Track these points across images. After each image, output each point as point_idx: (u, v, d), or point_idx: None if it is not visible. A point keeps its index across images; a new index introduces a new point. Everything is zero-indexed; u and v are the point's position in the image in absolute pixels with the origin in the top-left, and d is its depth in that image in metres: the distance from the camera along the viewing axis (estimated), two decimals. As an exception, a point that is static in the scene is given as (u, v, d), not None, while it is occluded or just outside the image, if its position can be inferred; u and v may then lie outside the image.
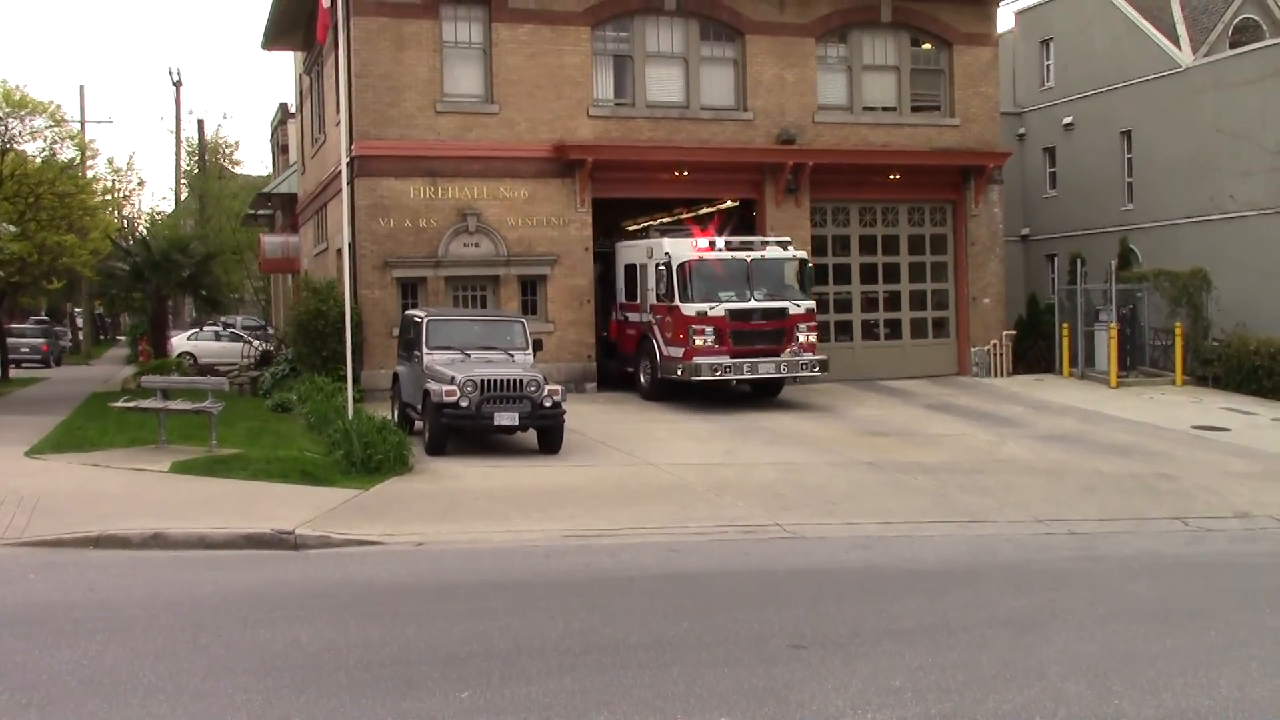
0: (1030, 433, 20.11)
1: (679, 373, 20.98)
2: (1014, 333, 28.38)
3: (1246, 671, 8.15)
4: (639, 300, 22.70)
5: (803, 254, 22.07)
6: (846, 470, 16.46)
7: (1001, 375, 27.13)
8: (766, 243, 21.87)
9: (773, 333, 21.21)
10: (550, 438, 16.99)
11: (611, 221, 28.82)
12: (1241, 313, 27.20)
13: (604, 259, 24.52)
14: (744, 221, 27.08)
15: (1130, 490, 15.59)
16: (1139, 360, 27.35)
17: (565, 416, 17.10)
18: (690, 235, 22.74)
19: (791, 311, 21.34)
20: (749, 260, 21.38)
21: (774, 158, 25.60)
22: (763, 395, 22.85)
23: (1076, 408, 22.80)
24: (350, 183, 22.41)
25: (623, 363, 23.46)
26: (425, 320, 18.31)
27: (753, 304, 21.19)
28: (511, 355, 17.97)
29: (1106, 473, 16.69)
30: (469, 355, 17.80)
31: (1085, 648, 8.66)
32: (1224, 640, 8.97)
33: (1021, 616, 9.46)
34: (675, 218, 29.70)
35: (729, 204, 27.53)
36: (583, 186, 24.25)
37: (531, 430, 17.10)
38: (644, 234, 24.29)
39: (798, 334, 21.30)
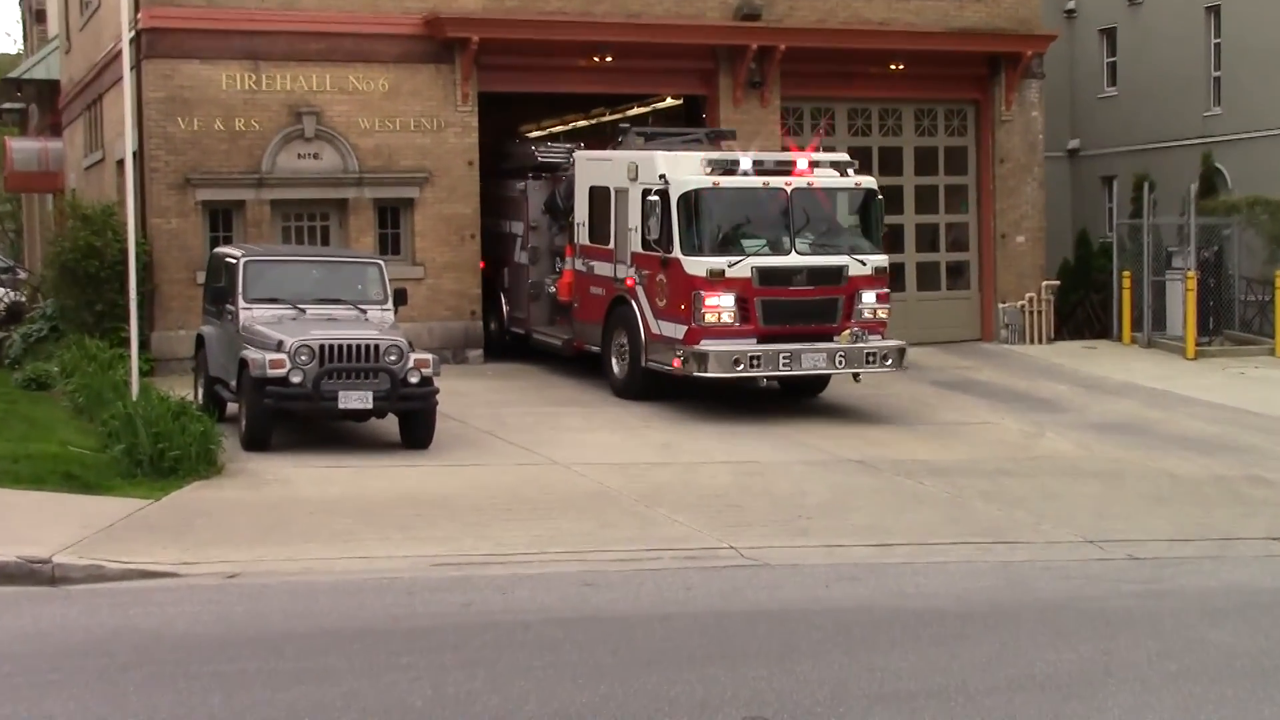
0: (1078, 420, 20.35)
1: (678, 362, 19.05)
2: (1057, 283, 28.76)
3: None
4: (611, 244, 20.81)
5: (871, 181, 20.39)
6: (827, 472, 16.48)
7: (1039, 341, 27.48)
8: (816, 163, 19.91)
9: (824, 304, 19.32)
10: (417, 427, 16.95)
11: (505, 127, 28.58)
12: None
13: (544, 176, 23.57)
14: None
15: (1213, 500, 15.80)
16: (1226, 322, 27.84)
17: (438, 397, 16.98)
18: (699, 144, 21.60)
19: (853, 272, 19.48)
20: (789, 190, 19.37)
21: (732, 38, 25.60)
22: (798, 394, 21.06)
23: (1141, 386, 23.13)
24: (136, 67, 21.94)
25: (579, 335, 21.77)
26: (242, 261, 18.06)
27: (795, 259, 19.26)
28: (364, 312, 17.82)
29: (1181, 475, 16.91)
30: (304, 311, 17.64)
31: (1150, 719, 8.71)
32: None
33: (1064, 676, 9.49)
34: (594, 120, 29.56)
35: (669, 101, 27.43)
36: (465, 76, 24.06)
37: (391, 417, 17.04)
38: (618, 140, 22.25)
39: (861, 306, 19.46)
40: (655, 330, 19.70)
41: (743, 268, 18.98)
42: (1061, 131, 36.34)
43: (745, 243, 19.34)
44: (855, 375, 19.89)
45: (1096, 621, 10.95)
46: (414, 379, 16.58)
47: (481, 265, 24.44)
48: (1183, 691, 9.23)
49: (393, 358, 16.56)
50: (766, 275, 19.09)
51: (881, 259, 19.92)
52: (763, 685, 9.06)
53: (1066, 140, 37.33)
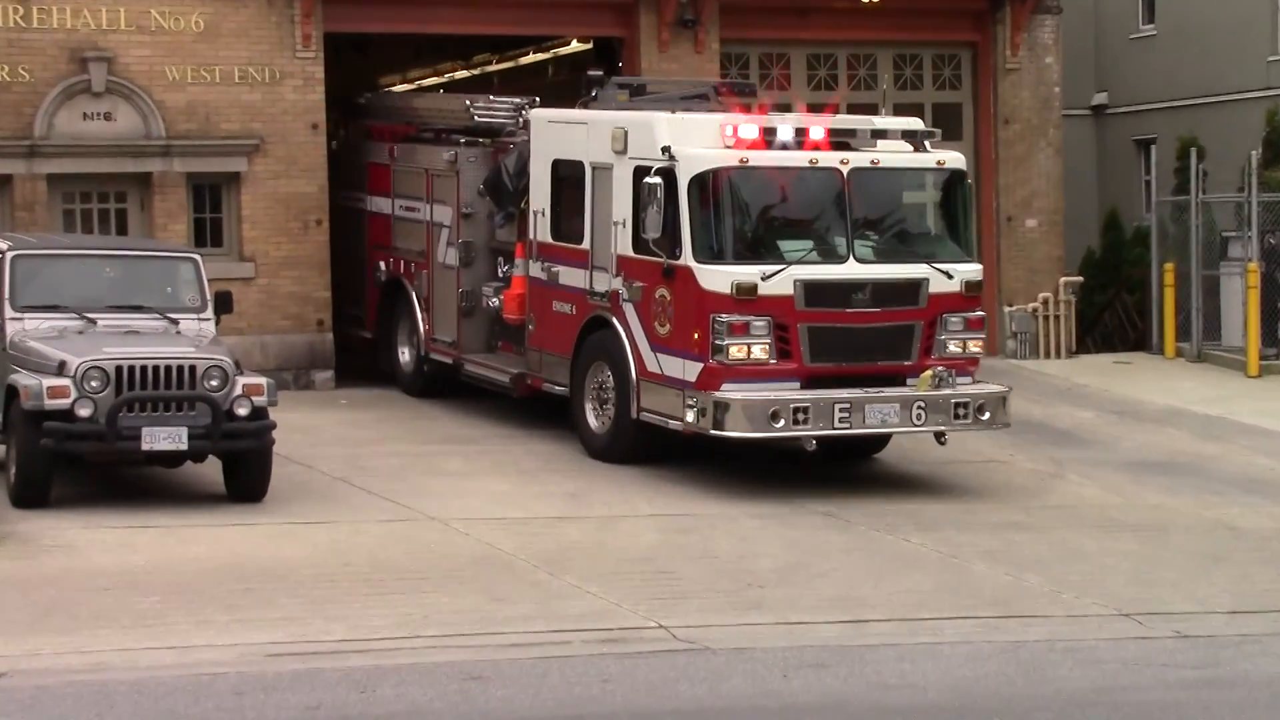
0: (1108, 457, 20.52)
1: (690, 415, 17.67)
2: (1080, 280, 29.03)
3: None
4: (585, 242, 19.43)
5: (958, 157, 19.33)
6: (784, 526, 16.52)
7: (1057, 355, 27.76)
8: (880, 132, 18.69)
9: (895, 334, 18.02)
10: (248, 473, 16.91)
11: (362, 78, 28.49)
12: None
13: (483, 144, 22.36)
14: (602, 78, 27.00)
15: (1283, 559, 16.01)
16: (1297, 327, 28.14)
17: (275, 434, 16.91)
18: (710, 104, 20.40)
19: (935, 287, 18.21)
20: (845, 170, 18.12)
21: (656, -37, 25.74)
22: (844, 455, 19.73)
23: (1189, 412, 23.36)
24: None
25: (536, 369, 20.33)
26: (9, 257, 17.90)
27: (855, 269, 17.95)
28: (174, 322, 17.72)
29: (1243, 528, 17.09)
30: (94, 323, 17.52)
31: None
32: None
33: (1095, 789, 9.57)
34: (477, 71, 29.55)
35: (574, 46, 27.46)
36: (306, 12, 23.97)
37: (214, 460, 16.96)
38: (588, 93, 21.14)
39: (945, 336, 18.22)
40: (652, 366, 18.23)
41: (782, 281, 17.58)
42: (1084, 83, 36.74)
43: (784, 245, 18.03)
44: (940, 436, 18.42)
45: None
46: (242, 410, 16.47)
47: (392, 264, 23.59)
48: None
49: (214, 383, 16.43)
50: (816, 292, 17.71)
51: (974, 270, 18.77)
52: (703, 808, 9.08)
53: (1091, 94, 37.76)
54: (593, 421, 19.35)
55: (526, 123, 21.24)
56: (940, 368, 18.00)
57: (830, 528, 16.51)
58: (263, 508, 16.64)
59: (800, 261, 17.83)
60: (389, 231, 23.85)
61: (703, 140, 18.13)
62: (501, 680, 11.54)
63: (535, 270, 20.42)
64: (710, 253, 17.78)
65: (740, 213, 18.29)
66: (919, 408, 17.81)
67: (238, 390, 16.49)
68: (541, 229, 20.39)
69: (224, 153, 23.93)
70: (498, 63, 29.43)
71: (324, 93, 24.32)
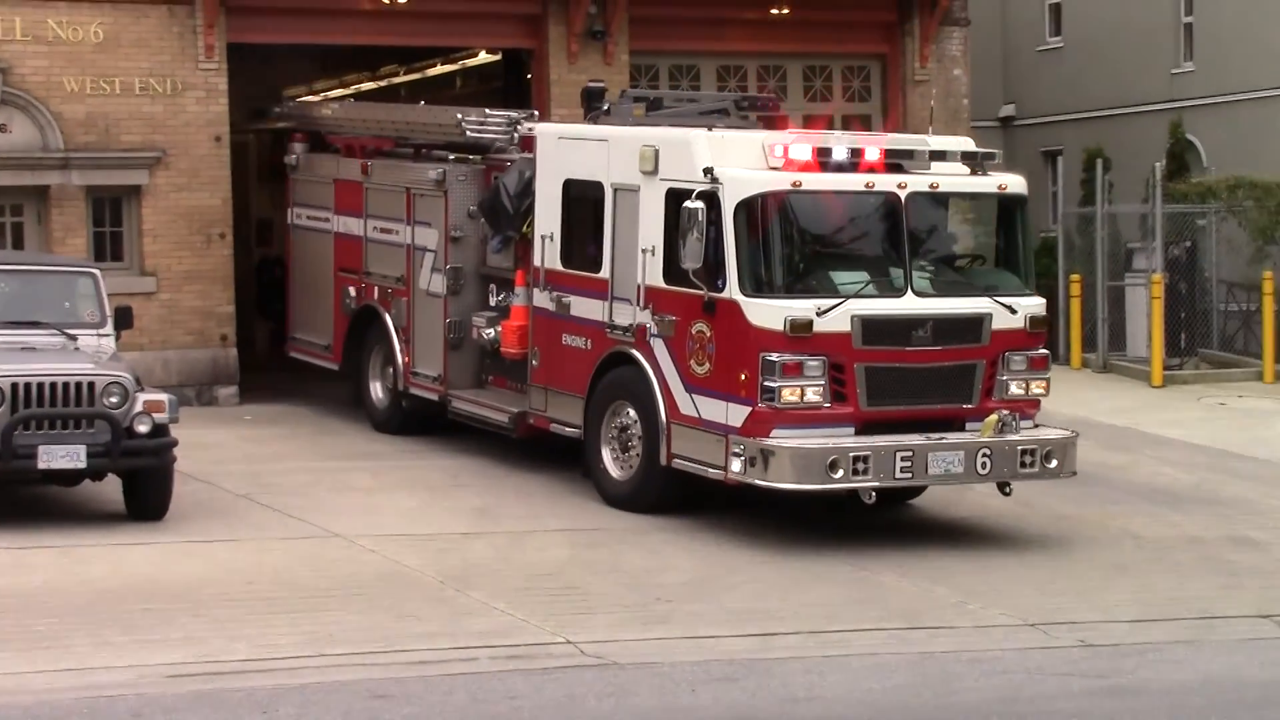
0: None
1: (735, 464, 16.25)
2: (987, 290, 29.14)
3: None
4: (604, 271, 18.04)
5: (1020, 181, 17.84)
6: (693, 540, 16.56)
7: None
8: (939, 153, 17.25)
9: (956, 374, 16.81)
10: (148, 491, 16.78)
11: (269, 89, 28.30)
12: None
13: (474, 161, 20.76)
14: (511, 91, 26.94)
15: (1188, 569, 16.14)
16: (1202, 339, 28.50)
17: (177, 452, 16.80)
18: (749, 120, 19.62)
19: (998, 323, 16.95)
20: (903, 195, 16.81)
21: (565, -28, 25.73)
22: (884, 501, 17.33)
23: (1096, 422, 23.53)
24: None
25: (541, 408, 18.90)
26: (-98, 272, 17.67)
27: (913, 302, 16.64)
28: (72, 338, 17.56)
29: (1147, 538, 17.26)
30: (-12, 338, 17.31)
31: None
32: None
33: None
34: (384, 82, 29.43)
35: (483, 57, 27.39)
36: (209, 22, 23.81)
37: (113, 478, 16.80)
38: (598, 107, 19.84)
39: (1007, 376, 16.97)
40: (686, 409, 16.86)
41: (839, 317, 16.24)
42: (992, 95, 37.04)
43: (837, 277, 16.67)
44: (1004, 487, 17.14)
45: (1040, 731, 11.11)
46: (143, 427, 16.33)
47: (364, 290, 22.07)
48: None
49: (113, 399, 16.29)
50: (875, 329, 16.36)
51: (1037, 304, 17.45)
52: (608, 826, 9.07)
53: (999, 106, 38.06)
54: (613, 468, 17.85)
55: (522, 139, 19.99)
56: (1004, 411, 16.68)
57: (738, 541, 16.55)
58: (164, 526, 16.52)
59: (857, 295, 16.44)
60: (360, 255, 22.24)
61: (745, 161, 16.74)
62: (407, 699, 11.51)
63: (542, 300, 18.91)
64: (758, 285, 16.34)
65: (792, 241, 16.87)
66: (984, 456, 16.44)
67: (138, 407, 16.34)
68: (550, 255, 18.82)
69: (124, 165, 23.74)
70: (405, 74, 29.32)
71: (228, 104, 24.18)
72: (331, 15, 24.97)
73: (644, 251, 17.39)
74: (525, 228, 19.35)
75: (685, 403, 16.90)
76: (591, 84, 21.11)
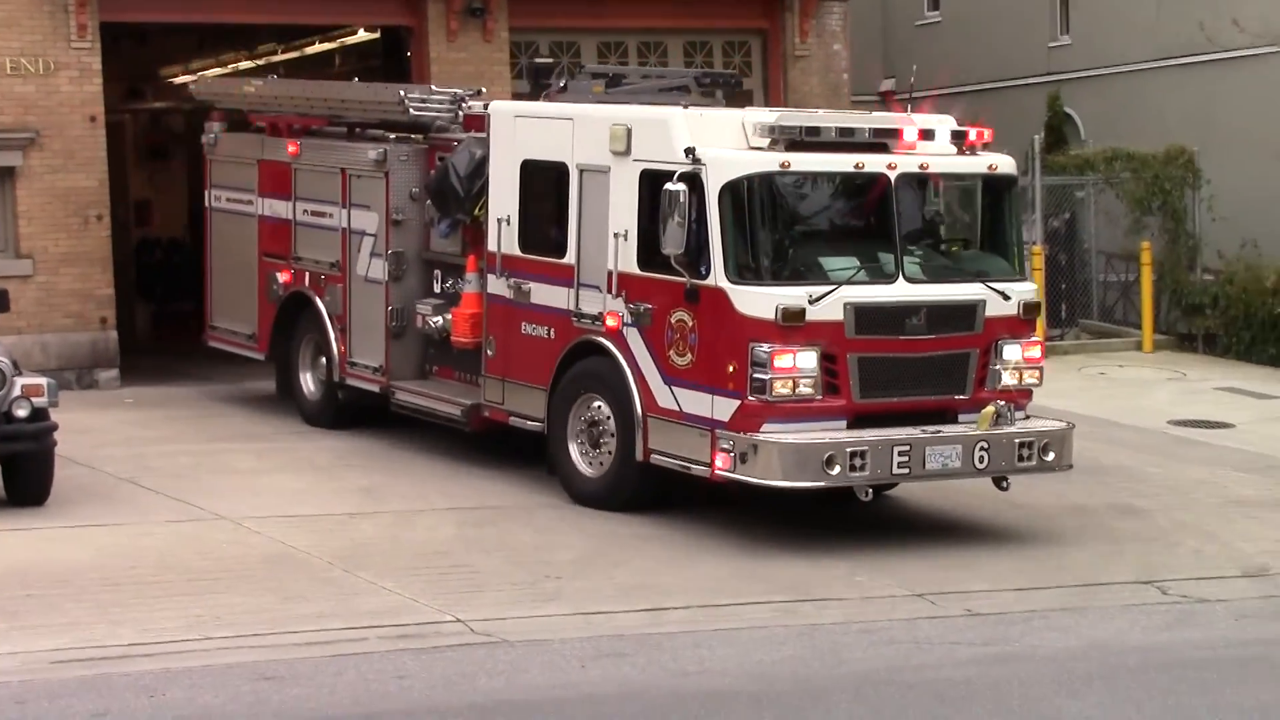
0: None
1: (723, 460, 15.45)
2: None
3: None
4: (569, 256, 17.19)
5: (1009, 161, 17.11)
6: (582, 516, 16.54)
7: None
8: (928, 131, 16.39)
9: (949, 363, 16.12)
10: (28, 476, 16.60)
11: (142, 69, 28.03)
12: (1250, 223, 28.86)
13: (414, 140, 19.92)
14: (390, 69, 26.84)
15: (1072, 537, 16.35)
16: (1082, 309, 28.79)
17: (57, 436, 16.61)
18: (691, 96, 18.82)
19: (991, 310, 16.30)
20: (892, 176, 16.10)
21: (444, -49, 25.65)
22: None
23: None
24: None
25: (497, 400, 17.99)
26: None
27: (905, 289, 15.90)
28: (-54, 322, 17.33)
29: (1025, 506, 17.40)
30: None
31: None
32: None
33: (889, 769, 9.71)
34: (262, 61, 29.20)
35: (361, 35, 27.25)
36: (81, 2, 23.52)
37: (-10, 464, 16.69)
38: (552, 84, 18.96)
39: (1000, 366, 16.25)
40: (665, 402, 16.06)
41: (831, 305, 15.47)
42: (872, 69, 37.20)
43: (827, 263, 15.94)
44: (1002, 483, 16.38)
45: (927, 698, 11.20)
46: (21, 412, 16.12)
47: (294, 276, 20.99)
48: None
49: (-12, 384, 16.16)
50: (868, 317, 15.63)
51: (1030, 289, 16.88)
52: (501, 803, 9.08)
53: (879, 80, 38.21)
54: (581, 465, 17.02)
55: (466, 117, 19.31)
56: (1000, 402, 15.97)
57: (627, 516, 16.51)
58: (45, 511, 16.33)
59: (849, 282, 15.68)
60: (288, 239, 21.21)
61: (725, 140, 15.96)
62: (296, 680, 11.46)
63: (497, 287, 18.01)
64: (745, 271, 15.55)
65: (781, 225, 16.07)
66: (982, 449, 15.78)
67: (16, 391, 16.13)
68: (506, 240, 17.90)
69: (-5, 147, 23.48)
70: (283, 52, 29.10)
71: (102, 84, 23.90)
72: (205, -5, 24.82)
73: (616, 236, 16.53)
74: (477, 210, 18.47)
75: (664, 395, 16.08)
76: (538, 59, 20.89)
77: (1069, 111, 32.99)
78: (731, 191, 15.52)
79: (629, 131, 16.51)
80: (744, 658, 12.19)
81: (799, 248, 16.15)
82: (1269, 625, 13.70)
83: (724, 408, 15.49)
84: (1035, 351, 16.60)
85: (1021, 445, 15.98)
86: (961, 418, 16.00)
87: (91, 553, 14.88)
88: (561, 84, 18.96)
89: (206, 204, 23.02)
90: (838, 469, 15.12)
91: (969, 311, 16.13)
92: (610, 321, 16.57)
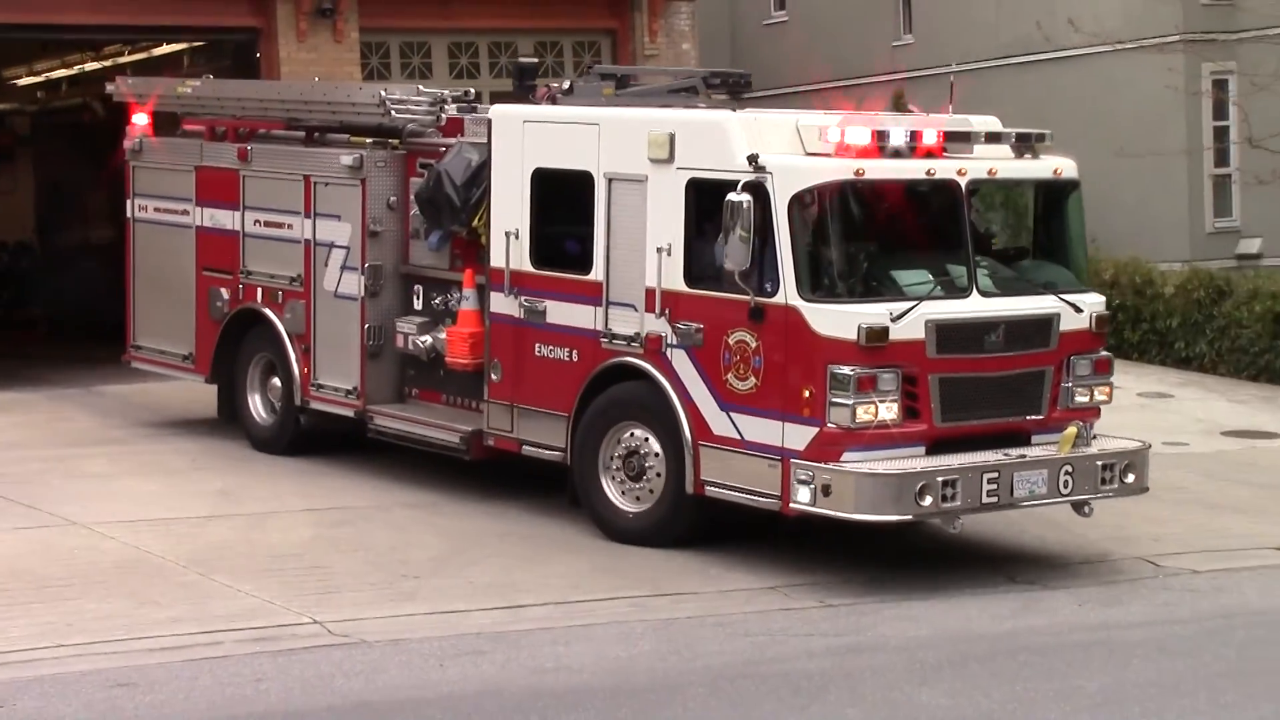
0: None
1: (802, 493, 14.26)
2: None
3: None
4: (597, 272, 15.89)
5: (1070, 165, 16.05)
6: (437, 515, 16.54)
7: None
8: (994, 135, 15.53)
9: (1027, 381, 15.19)
10: None
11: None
12: (1089, 220, 29.25)
13: (392, 146, 18.29)
14: (239, 69, 26.65)
15: (919, 528, 16.40)
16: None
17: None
18: (700, 97, 17.88)
19: (1064, 324, 15.39)
20: (963, 183, 15.09)
21: (292, -53, 25.56)
22: None
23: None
24: None
25: (504, 428, 16.62)
26: None
27: (980, 303, 14.92)
28: None
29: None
30: None
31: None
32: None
33: (745, 763, 9.79)
34: (109, 62, 28.93)
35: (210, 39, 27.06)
36: (-76, 1, 23.22)
37: None
38: (554, 87, 17.99)
39: (1072, 384, 15.38)
40: (721, 429, 14.83)
41: (912, 323, 14.40)
42: (721, 66, 37.42)
43: (901, 277, 14.87)
44: (1083, 507, 15.32)
45: (782, 690, 11.31)
46: None
47: (241, 292, 19.45)
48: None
49: None
50: (949, 335, 14.59)
51: (1099, 301, 15.87)
52: (361, 802, 9.07)
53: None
54: (618, 500, 15.71)
55: (450, 120, 17.95)
56: (1080, 422, 15.11)
57: (485, 515, 16.56)
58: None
59: (928, 297, 14.64)
60: (235, 251, 19.55)
61: (781, 146, 14.74)
62: (150, 686, 11.37)
63: (504, 305, 16.60)
64: (819, 288, 14.41)
65: (854, 238, 14.96)
66: (1066, 473, 14.82)
67: None
68: (515, 255, 16.56)
69: None
70: (130, 54, 28.79)
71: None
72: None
73: (659, 251, 15.21)
74: (475, 222, 17.10)
75: (720, 422, 14.86)
76: (522, 59, 19.84)
77: (913, 109, 33.27)
78: (801, 202, 14.36)
79: (671, 137, 15.24)
80: (601, 653, 12.25)
81: (872, 261, 14.97)
82: (1108, 611, 13.95)
83: (797, 436, 14.31)
84: (1106, 367, 15.76)
85: (1104, 468, 15.12)
86: (1035, 439, 15.09)
87: (-61, 562, 14.67)
88: (567, 85, 18.10)
89: (129, 214, 21.27)
90: (930, 500, 14.06)
91: (1045, 326, 15.16)
92: (651, 343, 15.40)
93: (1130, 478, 15.24)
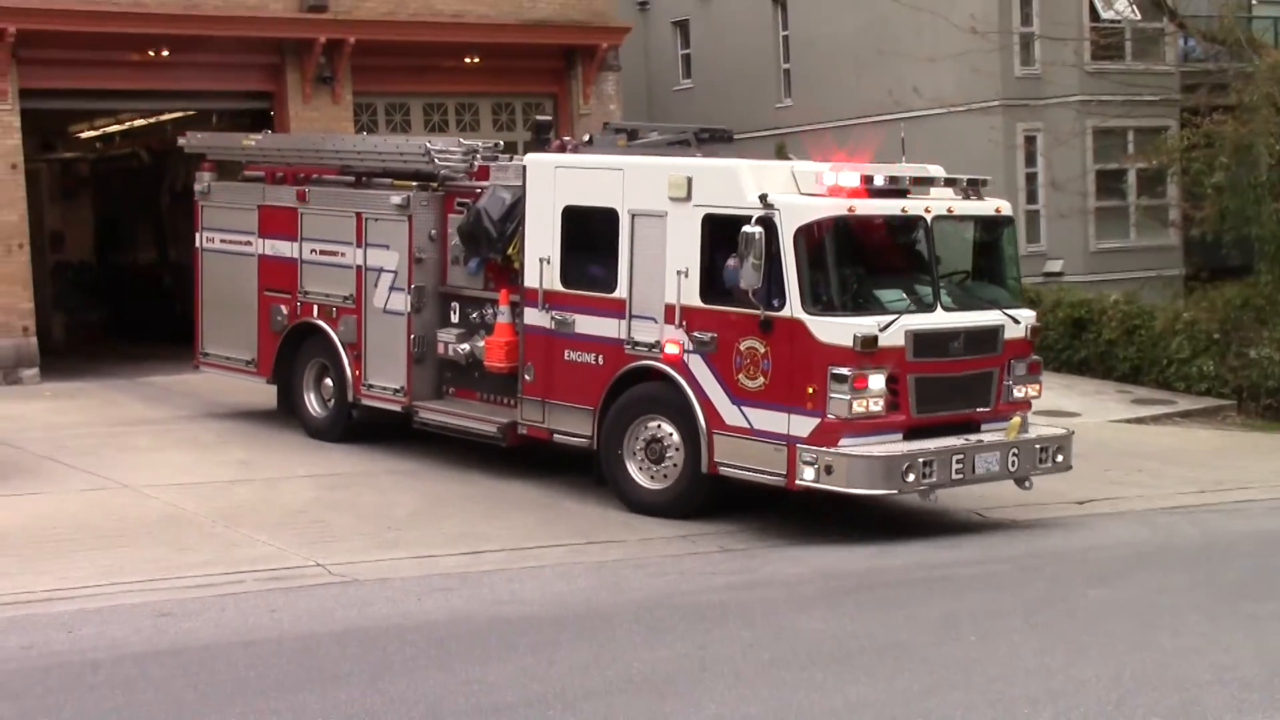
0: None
1: (808, 472, 14.06)
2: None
3: (948, 721, 8.80)
4: (621, 290, 15.47)
5: (1006, 205, 16.16)
6: (416, 480, 16.53)
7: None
8: (952, 181, 15.67)
9: (980, 381, 15.20)
10: (-34, 456, 15.88)
11: (54, 126, 27.38)
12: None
13: (434, 189, 17.71)
14: (258, 125, 26.49)
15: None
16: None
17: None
18: (692, 149, 17.83)
19: (1006, 334, 15.37)
20: (929, 218, 15.06)
21: (299, 31, 25.35)
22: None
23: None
24: None
25: (536, 419, 16.13)
26: None
27: (945, 317, 14.89)
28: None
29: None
30: None
31: (746, 709, 9.08)
32: (921, 684, 9.68)
33: (662, 674, 9.79)
34: (153, 120, 28.66)
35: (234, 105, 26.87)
36: (3, 72, 23.05)
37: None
38: (580, 142, 17.85)
39: (1011, 381, 15.33)
40: (732, 420, 14.58)
41: (895, 332, 14.37)
42: (640, 121, 37.44)
43: (882, 295, 14.87)
44: (1024, 482, 15.30)
45: (691, 617, 11.34)
46: (-41, 404, 15.65)
47: (300, 308, 18.79)
48: (775, 679, 9.69)
49: (-67, 382, 15.56)
50: (923, 342, 14.56)
51: (1031, 315, 15.87)
52: (355, 708, 9.00)
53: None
54: (641, 479, 15.33)
55: (481, 167, 17.48)
56: (1020, 413, 15.22)
57: (455, 480, 16.52)
58: (-21, 484, 15.96)
59: (905, 311, 14.62)
60: (293, 276, 18.95)
61: (779, 187, 14.59)
62: (186, 615, 11.33)
63: (537, 318, 16.15)
64: (821, 304, 14.26)
65: (846, 262, 14.77)
66: (1013, 455, 14.97)
67: (-45, 387, 15.65)
68: (548, 277, 16.07)
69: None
70: (169, 113, 28.54)
71: (20, 139, 23.41)
72: (109, 65, 24.30)
73: (678, 273, 14.93)
74: (510, 250, 16.69)
75: (732, 414, 14.56)
76: (540, 117, 19.26)
77: (791, 157, 33.38)
78: (804, 233, 14.22)
79: (689, 180, 15.02)
80: (547, 589, 12.26)
81: (860, 281, 14.89)
82: (945, 553, 14.07)
83: (802, 425, 14.11)
84: (1037, 369, 15.72)
85: (1041, 450, 15.24)
86: (984, 427, 15.08)
87: (18, 517, 14.52)
88: (587, 138, 18.01)
89: (198, 245, 20.59)
90: (912, 477, 14.07)
91: (993, 335, 15.18)
92: (670, 349, 14.97)
93: (1060, 458, 15.38)
